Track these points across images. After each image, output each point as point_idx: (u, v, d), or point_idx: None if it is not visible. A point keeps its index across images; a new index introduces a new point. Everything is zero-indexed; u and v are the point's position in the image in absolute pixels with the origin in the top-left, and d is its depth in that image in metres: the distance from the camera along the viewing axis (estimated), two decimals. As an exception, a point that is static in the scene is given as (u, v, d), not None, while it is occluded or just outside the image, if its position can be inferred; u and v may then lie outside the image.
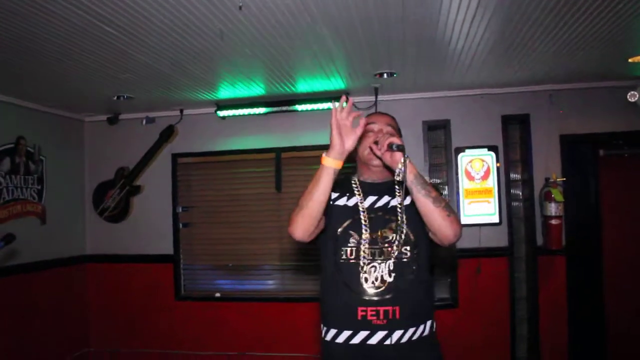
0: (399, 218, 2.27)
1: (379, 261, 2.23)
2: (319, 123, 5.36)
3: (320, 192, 2.08)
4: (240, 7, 2.91)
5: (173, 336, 5.60)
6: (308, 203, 2.09)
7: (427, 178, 2.22)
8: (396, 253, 2.23)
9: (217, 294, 5.62)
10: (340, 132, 2.04)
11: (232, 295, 5.61)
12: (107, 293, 5.78)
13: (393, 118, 2.49)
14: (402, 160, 2.08)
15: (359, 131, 2.05)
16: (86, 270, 5.79)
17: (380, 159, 2.23)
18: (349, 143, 2.05)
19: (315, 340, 5.16)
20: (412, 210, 2.21)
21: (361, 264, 2.23)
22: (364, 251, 2.24)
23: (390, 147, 2.11)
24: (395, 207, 2.30)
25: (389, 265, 2.22)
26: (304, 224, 2.13)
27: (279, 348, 5.38)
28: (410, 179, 2.09)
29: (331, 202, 2.29)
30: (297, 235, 2.16)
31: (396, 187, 2.28)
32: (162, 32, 3.26)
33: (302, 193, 2.16)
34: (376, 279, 2.21)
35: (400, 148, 2.08)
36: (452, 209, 2.14)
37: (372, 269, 2.22)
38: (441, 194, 2.25)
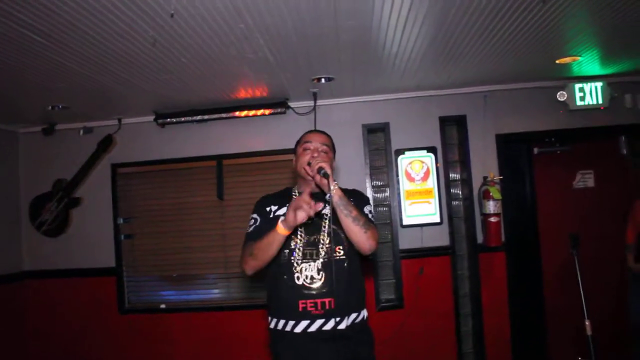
0: (326, 225, 2.68)
1: (313, 261, 2.63)
2: (260, 129, 5.37)
3: (272, 250, 2.50)
4: (172, 15, 2.88)
5: (118, 350, 5.47)
6: (261, 256, 2.52)
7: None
8: (325, 254, 2.63)
9: (162, 305, 5.52)
10: (296, 210, 2.39)
11: (177, 306, 5.52)
12: (47, 309, 5.59)
13: (328, 136, 2.88)
14: (332, 186, 2.50)
15: (309, 210, 2.39)
16: (24, 287, 5.59)
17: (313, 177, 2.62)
18: (300, 217, 2.39)
19: (263, 347, 5.16)
20: None
21: (296, 263, 2.63)
22: (299, 252, 2.64)
23: (319, 171, 2.54)
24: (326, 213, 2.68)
25: (319, 264, 2.62)
26: (256, 268, 2.58)
27: (227, 357, 5.33)
28: (335, 200, 2.50)
29: (272, 215, 2.73)
30: (249, 273, 2.61)
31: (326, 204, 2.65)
32: (93, 39, 3.19)
33: (254, 243, 2.55)
34: (308, 277, 2.61)
35: (326, 175, 2.52)
36: (370, 226, 2.57)
37: (307, 268, 2.62)
38: (366, 215, 2.69)
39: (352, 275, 2.67)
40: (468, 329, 5.34)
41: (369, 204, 2.85)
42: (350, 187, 2.89)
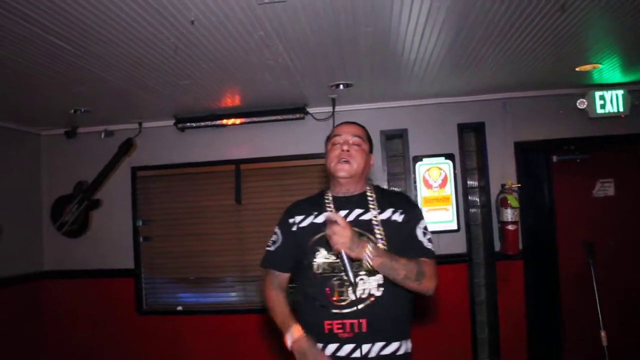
0: (376, 233, 2.30)
1: (343, 275, 2.23)
2: (278, 135, 5.41)
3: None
4: (192, 22, 2.93)
5: (136, 351, 5.52)
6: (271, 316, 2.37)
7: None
8: (358, 267, 2.22)
9: (179, 308, 5.57)
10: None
11: (194, 309, 5.56)
12: (66, 309, 5.66)
13: (361, 127, 2.53)
14: (364, 261, 2.13)
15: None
16: (44, 287, 5.67)
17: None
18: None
19: (277, 350, 5.17)
20: (387, 226, 2.30)
21: (323, 277, 2.28)
22: (329, 265, 2.29)
23: (339, 256, 2.17)
24: (367, 220, 2.33)
25: (350, 279, 2.18)
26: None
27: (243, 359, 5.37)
28: (376, 267, 2.14)
29: (294, 229, 2.42)
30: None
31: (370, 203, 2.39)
32: (116, 45, 3.25)
33: (273, 299, 2.41)
34: (336, 293, 2.24)
35: (350, 260, 2.13)
36: (423, 273, 2.19)
37: (336, 283, 2.26)
38: (419, 244, 2.32)
39: (390, 294, 2.24)
40: (484, 337, 5.31)
41: (422, 218, 2.39)
42: None
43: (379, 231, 2.29)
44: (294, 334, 2.18)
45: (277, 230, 2.51)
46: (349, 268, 2.12)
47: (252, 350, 5.31)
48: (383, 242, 2.26)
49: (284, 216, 2.51)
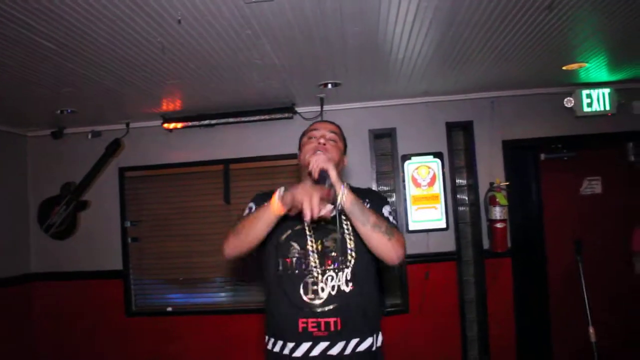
0: (338, 230, 2.23)
1: (317, 273, 2.24)
2: (267, 134, 5.39)
3: (259, 228, 2.13)
4: (179, 21, 2.91)
5: (125, 353, 5.50)
6: (245, 233, 2.16)
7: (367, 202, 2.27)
8: (331, 265, 2.24)
9: (169, 308, 5.55)
10: (297, 198, 2.04)
11: (184, 309, 5.54)
12: (54, 312, 5.61)
13: (337, 126, 2.53)
14: (339, 193, 2.09)
15: (307, 213, 1.99)
16: (31, 289, 5.62)
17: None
18: (296, 207, 2.07)
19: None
20: None
21: (297, 276, 2.25)
22: (301, 262, 2.26)
23: (320, 176, 2.14)
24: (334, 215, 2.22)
25: (324, 277, 2.22)
26: (236, 249, 2.21)
27: (233, 360, 5.35)
28: (347, 207, 2.10)
29: None
30: (228, 255, 2.24)
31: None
32: (102, 45, 3.23)
33: (243, 219, 2.22)
34: (310, 291, 2.22)
35: (330, 185, 2.10)
36: (392, 232, 2.14)
37: (309, 281, 2.23)
38: (387, 219, 2.27)
39: (360, 288, 2.26)
40: (473, 335, 5.33)
41: (387, 204, 2.44)
42: None
43: (347, 225, 2.28)
44: (279, 192, 2.13)
45: (251, 204, 2.43)
46: (328, 183, 2.10)
47: (241, 350, 5.30)
48: (349, 234, 2.27)
49: (258, 197, 2.46)
